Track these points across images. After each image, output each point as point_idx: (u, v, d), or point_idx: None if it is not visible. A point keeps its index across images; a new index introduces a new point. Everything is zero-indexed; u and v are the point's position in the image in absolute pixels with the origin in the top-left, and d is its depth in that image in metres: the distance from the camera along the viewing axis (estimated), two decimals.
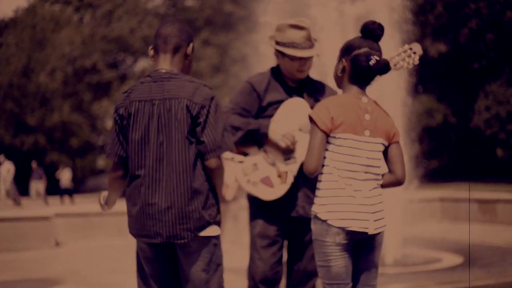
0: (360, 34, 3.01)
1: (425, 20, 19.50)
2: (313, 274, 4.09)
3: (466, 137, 20.70)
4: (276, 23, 4.05)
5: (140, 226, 2.95)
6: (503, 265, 6.82)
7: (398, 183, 3.02)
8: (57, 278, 7.01)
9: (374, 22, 2.98)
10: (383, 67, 2.95)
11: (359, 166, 2.91)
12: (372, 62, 2.93)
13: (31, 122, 27.18)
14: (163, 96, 2.94)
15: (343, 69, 3.00)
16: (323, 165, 2.95)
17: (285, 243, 4.10)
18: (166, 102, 2.93)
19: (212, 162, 2.93)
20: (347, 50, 2.99)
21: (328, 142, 2.94)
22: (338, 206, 2.89)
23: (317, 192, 2.95)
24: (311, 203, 3.90)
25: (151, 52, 3.13)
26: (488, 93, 18.72)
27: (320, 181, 2.96)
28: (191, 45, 3.08)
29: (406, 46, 3.72)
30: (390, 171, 3.01)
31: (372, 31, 2.97)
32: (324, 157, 2.95)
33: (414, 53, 3.69)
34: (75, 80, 27.72)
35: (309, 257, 4.04)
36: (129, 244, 10.02)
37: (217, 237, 2.98)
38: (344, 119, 2.91)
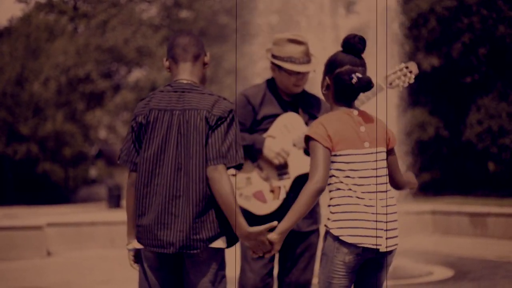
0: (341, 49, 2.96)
1: (418, 34, 19.60)
2: (305, 287, 4.10)
3: (458, 151, 20.76)
4: (274, 37, 4.07)
5: (153, 236, 2.96)
6: (494, 278, 6.84)
7: (399, 187, 3.03)
8: None
9: (354, 36, 2.93)
10: (366, 85, 2.89)
11: (368, 179, 2.88)
12: (354, 81, 2.88)
13: (24, 131, 27.10)
14: (183, 107, 2.96)
15: (327, 87, 2.99)
16: (331, 183, 2.92)
17: (276, 255, 4.11)
18: (186, 113, 2.95)
19: (209, 170, 2.91)
20: (329, 68, 2.96)
21: (333, 162, 2.90)
22: (351, 222, 2.85)
23: (330, 209, 2.92)
24: (303, 218, 3.92)
25: (167, 63, 3.12)
26: (480, 107, 18.80)
27: (332, 197, 2.93)
28: (208, 54, 3.14)
29: (402, 65, 3.73)
30: (393, 177, 3.01)
31: (353, 46, 2.92)
32: (333, 175, 2.92)
33: (410, 72, 3.70)
34: (69, 90, 27.67)
35: (300, 270, 4.05)
36: (122, 255, 10.02)
37: (224, 249, 3.02)
38: (341, 136, 2.89)
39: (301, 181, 3.92)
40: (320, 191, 2.85)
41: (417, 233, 10.86)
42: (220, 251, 3.00)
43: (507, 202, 13.54)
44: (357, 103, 3.28)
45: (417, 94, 18.40)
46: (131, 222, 3.10)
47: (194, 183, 2.92)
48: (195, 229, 2.91)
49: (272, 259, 4.03)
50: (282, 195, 3.93)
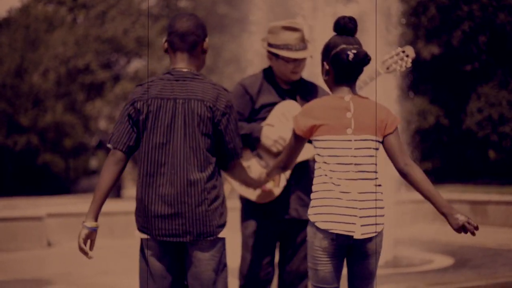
0: (334, 33, 2.99)
1: (418, 22, 19.55)
2: (305, 275, 4.10)
3: (459, 139, 20.75)
4: (268, 25, 4.06)
5: (167, 226, 2.96)
6: (494, 266, 6.85)
7: (402, 174, 2.94)
8: (49, 278, 7.01)
9: (344, 17, 2.97)
10: (363, 59, 2.89)
11: (346, 166, 2.87)
12: (350, 57, 2.88)
13: (24, 122, 27.09)
14: (188, 96, 2.97)
15: (327, 72, 3.00)
16: (315, 168, 2.95)
17: (277, 244, 4.11)
18: (191, 103, 2.96)
19: (232, 166, 3.17)
20: (325, 52, 2.97)
21: (314, 147, 2.95)
22: (324, 208, 2.87)
23: (311, 195, 2.95)
24: (304, 205, 3.92)
25: (165, 45, 3.13)
26: (480, 95, 18.77)
27: (313, 184, 2.95)
28: (206, 40, 3.11)
29: (399, 49, 3.71)
30: (393, 164, 2.94)
31: (344, 26, 2.95)
32: (315, 161, 2.95)
33: (407, 56, 3.68)
34: (68, 81, 27.65)
35: (301, 258, 4.05)
36: (121, 245, 10.00)
37: (224, 238, 3.08)
38: (323, 121, 2.89)
39: (301, 168, 3.93)
40: (282, 169, 3.26)
41: (417, 221, 10.86)
42: (222, 240, 3.04)
43: (507, 190, 13.54)
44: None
45: (417, 83, 18.37)
46: (99, 201, 3.03)
47: (204, 171, 2.96)
48: (209, 217, 2.96)
49: (273, 247, 4.03)
50: (283, 182, 3.92)
